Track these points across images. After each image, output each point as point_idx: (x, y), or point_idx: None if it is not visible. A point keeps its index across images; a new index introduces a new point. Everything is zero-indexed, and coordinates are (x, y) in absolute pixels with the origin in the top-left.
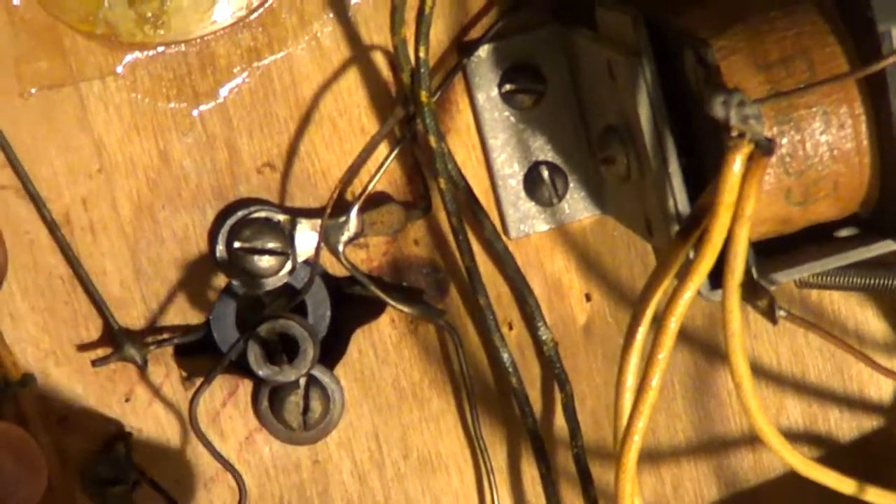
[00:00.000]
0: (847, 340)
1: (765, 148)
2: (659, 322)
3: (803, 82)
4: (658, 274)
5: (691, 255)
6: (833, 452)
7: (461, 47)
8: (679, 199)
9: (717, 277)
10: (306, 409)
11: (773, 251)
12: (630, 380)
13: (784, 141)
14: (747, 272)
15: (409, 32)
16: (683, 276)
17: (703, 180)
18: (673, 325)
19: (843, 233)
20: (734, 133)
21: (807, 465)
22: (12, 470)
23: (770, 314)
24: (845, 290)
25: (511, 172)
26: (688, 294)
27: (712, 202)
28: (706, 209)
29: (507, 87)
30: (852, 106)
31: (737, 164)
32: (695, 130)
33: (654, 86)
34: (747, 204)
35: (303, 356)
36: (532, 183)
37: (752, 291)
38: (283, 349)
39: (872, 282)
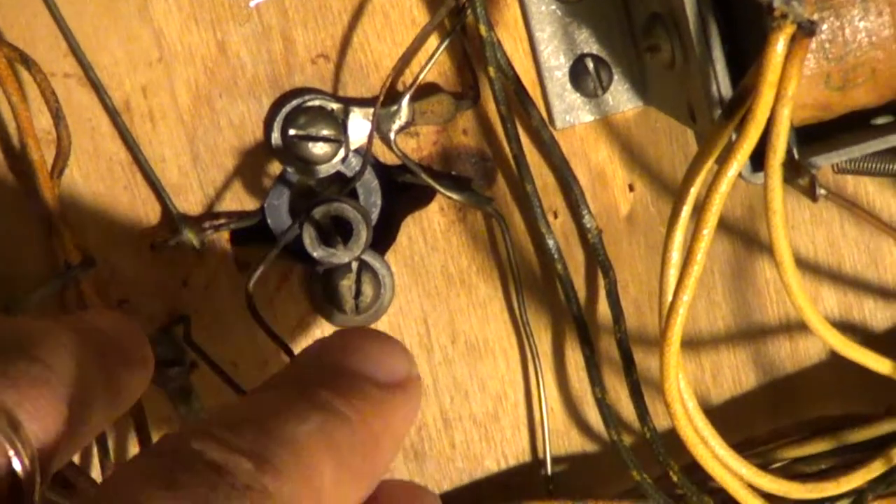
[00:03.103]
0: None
1: (807, 29)
2: (703, 201)
3: None
4: (701, 156)
5: (733, 137)
6: (867, 341)
7: None
8: (722, 83)
9: (758, 161)
10: (358, 292)
11: (812, 139)
12: (675, 256)
13: (824, 27)
14: (789, 152)
15: None
16: (727, 155)
17: (743, 68)
18: (717, 202)
19: (880, 120)
20: (777, 14)
21: (844, 344)
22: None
23: (811, 192)
24: (881, 175)
25: (557, 64)
26: (731, 171)
27: (756, 82)
28: (749, 90)
29: None
30: None
31: (780, 44)
32: (736, 19)
33: None
34: (789, 84)
35: (356, 238)
36: (577, 75)
37: (794, 171)
38: (336, 233)
39: None
